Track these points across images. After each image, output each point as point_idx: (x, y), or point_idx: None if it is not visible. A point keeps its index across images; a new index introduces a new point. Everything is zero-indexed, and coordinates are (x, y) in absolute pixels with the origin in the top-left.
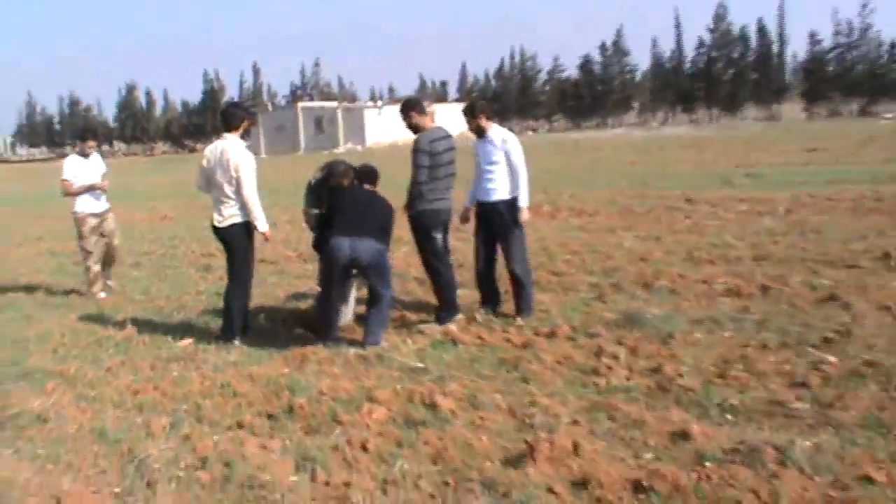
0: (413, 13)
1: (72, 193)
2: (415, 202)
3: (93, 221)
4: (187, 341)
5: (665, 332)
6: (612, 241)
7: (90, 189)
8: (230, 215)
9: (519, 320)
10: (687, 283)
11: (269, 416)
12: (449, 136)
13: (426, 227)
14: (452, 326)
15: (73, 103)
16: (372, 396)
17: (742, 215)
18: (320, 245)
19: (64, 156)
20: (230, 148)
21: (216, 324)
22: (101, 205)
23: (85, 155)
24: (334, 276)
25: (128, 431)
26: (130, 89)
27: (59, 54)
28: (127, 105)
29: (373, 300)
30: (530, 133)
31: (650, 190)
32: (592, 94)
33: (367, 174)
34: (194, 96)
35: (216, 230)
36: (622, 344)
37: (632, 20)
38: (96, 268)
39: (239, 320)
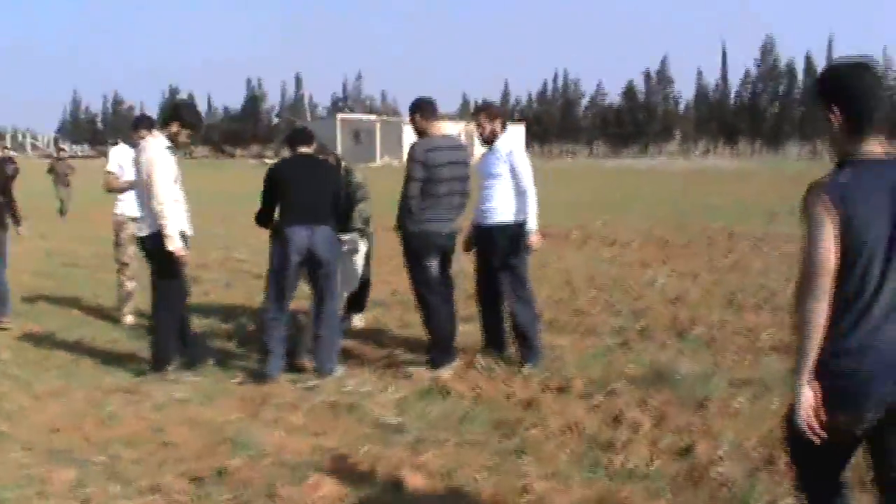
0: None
1: (115, 189)
2: (403, 220)
3: (133, 227)
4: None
5: (700, 395)
6: (644, 278)
7: (135, 186)
8: (150, 224)
9: (526, 369)
10: (727, 333)
11: (194, 480)
12: (457, 148)
13: (416, 252)
14: (445, 373)
15: (117, 103)
16: (323, 465)
17: (789, 256)
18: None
19: (105, 154)
20: (147, 147)
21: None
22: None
23: (136, 146)
24: (287, 276)
25: (19, 487)
26: (173, 93)
27: (105, 54)
28: (167, 108)
29: (319, 312)
30: (569, 158)
31: (689, 221)
32: (634, 121)
33: (298, 136)
34: (236, 103)
35: (138, 240)
36: (646, 408)
37: (677, 49)
38: (130, 285)
39: (169, 346)
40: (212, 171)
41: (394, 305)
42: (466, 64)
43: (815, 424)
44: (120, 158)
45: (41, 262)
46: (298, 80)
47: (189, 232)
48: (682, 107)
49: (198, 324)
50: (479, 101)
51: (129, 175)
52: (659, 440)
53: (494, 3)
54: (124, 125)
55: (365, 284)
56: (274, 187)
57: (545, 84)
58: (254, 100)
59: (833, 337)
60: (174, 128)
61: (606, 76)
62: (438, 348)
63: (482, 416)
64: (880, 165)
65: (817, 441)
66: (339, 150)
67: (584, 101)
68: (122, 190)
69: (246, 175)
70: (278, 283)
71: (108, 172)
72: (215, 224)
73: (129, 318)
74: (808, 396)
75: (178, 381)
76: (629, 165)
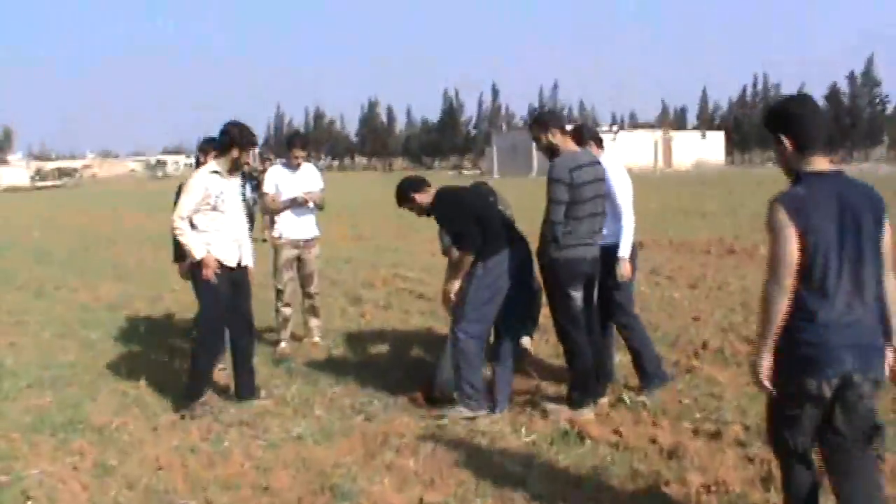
0: (654, 37)
1: (273, 211)
2: (547, 248)
3: (289, 252)
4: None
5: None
6: None
7: (293, 204)
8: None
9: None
10: None
11: None
12: (596, 164)
13: (560, 282)
14: (585, 414)
15: (318, 116)
16: None
17: None
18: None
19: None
20: (194, 174)
21: (324, 372)
22: (304, 229)
23: (291, 166)
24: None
25: None
26: (372, 105)
27: (307, 67)
28: (368, 120)
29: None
30: (770, 164)
31: None
32: (839, 125)
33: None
34: (434, 114)
35: None
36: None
37: (885, 48)
38: (286, 311)
39: (203, 379)
40: None
41: (550, 329)
42: (663, 71)
43: (770, 385)
44: (277, 178)
45: None
46: (495, 91)
47: (229, 263)
48: (889, 109)
49: (342, 350)
50: (678, 111)
51: (287, 195)
52: None
53: (691, 7)
54: (325, 138)
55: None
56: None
57: (744, 89)
58: (451, 111)
59: (805, 318)
60: (234, 153)
61: (809, 79)
62: (580, 388)
63: (618, 468)
64: (828, 179)
65: (774, 392)
66: (534, 161)
67: None
68: (278, 211)
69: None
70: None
71: (264, 193)
72: (392, 238)
73: (283, 345)
74: (769, 363)
75: (298, 414)
76: None
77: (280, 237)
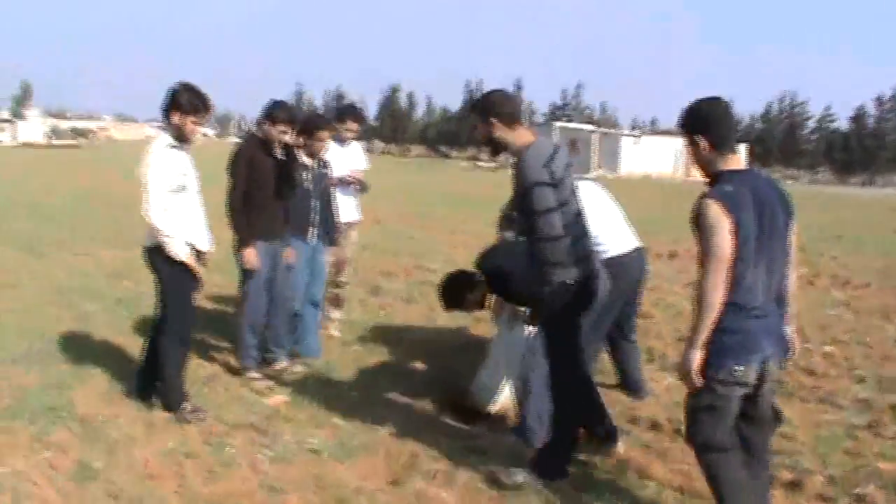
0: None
1: None
2: (550, 274)
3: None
4: (280, 398)
5: None
6: (888, 333)
7: (340, 184)
8: (147, 235)
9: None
10: None
11: None
12: (559, 148)
13: (565, 312)
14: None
15: (339, 97)
16: None
17: None
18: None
19: None
20: (150, 147)
21: (343, 373)
22: (346, 212)
23: (341, 140)
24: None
25: None
26: (394, 90)
27: (328, 49)
28: (389, 105)
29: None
30: (790, 182)
31: None
32: (863, 147)
33: None
34: (455, 103)
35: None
36: None
37: None
38: (334, 290)
39: (179, 380)
40: (420, 171)
41: None
42: (691, 80)
43: (700, 379)
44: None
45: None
46: (518, 86)
47: (204, 248)
48: None
49: (361, 347)
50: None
51: (335, 172)
52: None
53: (718, 19)
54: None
55: None
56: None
57: (769, 105)
58: (471, 100)
59: (732, 309)
60: (176, 119)
61: (836, 100)
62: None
63: None
64: (747, 176)
65: (700, 383)
66: None
67: (811, 124)
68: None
69: (455, 177)
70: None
71: None
72: (412, 227)
73: (335, 332)
74: (700, 358)
75: (313, 422)
76: (854, 194)
77: None
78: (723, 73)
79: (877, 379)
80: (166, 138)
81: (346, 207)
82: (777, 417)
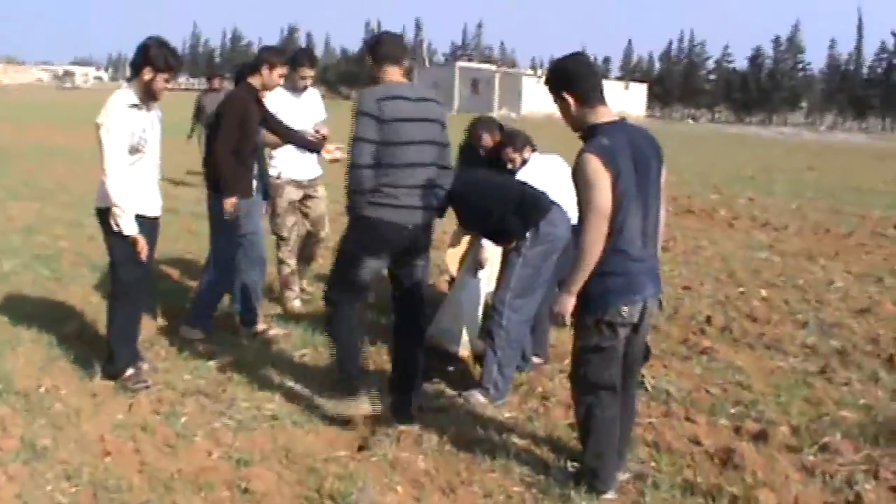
0: None
1: (271, 144)
2: (354, 201)
3: (293, 193)
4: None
5: None
6: (817, 275)
7: (299, 141)
8: (100, 196)
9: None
10: None
11: None
12: (425, 101)
13: (360, 247)
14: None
15: (235, 38)
16: None
17: None
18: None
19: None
20: (107, 104)
21: (296, 330)
22: (309, 169)
23: (296, 89)
24: None
25: None
26: (292, 31)
27: None
28: (287, 46)
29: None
30: (690, 121)
31: (841, 206)
32: (760, 88)
33: None
34: (354, 44)
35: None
36: (880, 483)
37: (810, 15)
38: (292, 263)
39: (124, 347)
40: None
41: None
42: (589, 20)
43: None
44: (277, 103)
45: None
46: (418, 25)
47: (150, 213)
48: (812, 74)
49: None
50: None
51: (289, 123)
52: None
53: None
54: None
55: None
56: None
57: (669, 44)
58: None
59: (614, 254)
60: (146, 75)
61: (734, 40)
62: (340, 387)
63: (667, 474)
64: (619, 127)
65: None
66: (456, 99)
67: (710, 65)
68: (275, 145)
69: None
70: None
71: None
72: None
73: (297, 303)
74: (573, 303)
75: (265, 384)
76: (754, 133)
77: (279, 177)
78: (624, 11)
79: (818, 323)
80: (128, 95)
81: (309, 164)
82: (646, 356)
